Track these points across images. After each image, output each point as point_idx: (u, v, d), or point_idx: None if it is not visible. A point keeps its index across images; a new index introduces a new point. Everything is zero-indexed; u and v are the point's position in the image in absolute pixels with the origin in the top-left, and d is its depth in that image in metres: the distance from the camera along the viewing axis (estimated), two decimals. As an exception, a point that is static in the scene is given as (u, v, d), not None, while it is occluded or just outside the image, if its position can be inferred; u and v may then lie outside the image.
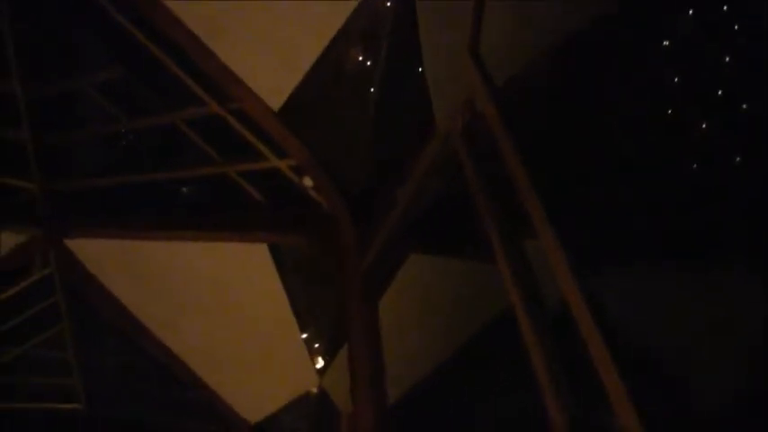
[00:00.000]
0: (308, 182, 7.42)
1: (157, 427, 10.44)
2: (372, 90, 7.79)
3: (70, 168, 8.25)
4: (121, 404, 10.25)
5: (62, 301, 9.06)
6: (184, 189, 8.49)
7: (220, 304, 8.30)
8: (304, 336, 9.14)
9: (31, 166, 7.86)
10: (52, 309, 9.19)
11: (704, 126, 7.19)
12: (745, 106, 7.08)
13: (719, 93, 7.13)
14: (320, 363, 9.50)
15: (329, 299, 8.65)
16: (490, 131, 4.42)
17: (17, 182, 7.95)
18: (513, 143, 3.98)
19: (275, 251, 7.90)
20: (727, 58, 7.10)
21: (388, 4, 7.51)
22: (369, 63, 7.88)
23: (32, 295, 9.05)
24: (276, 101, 6.67)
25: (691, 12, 7.13)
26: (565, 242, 3.38)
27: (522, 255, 3.89)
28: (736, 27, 7.10)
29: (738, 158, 6.96)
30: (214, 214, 7.73)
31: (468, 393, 8.26)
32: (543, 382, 3.47)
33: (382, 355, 7.35)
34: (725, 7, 7.12)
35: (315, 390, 9.66)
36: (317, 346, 9.69)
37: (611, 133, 7.02)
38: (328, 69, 7.15)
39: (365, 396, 7.57)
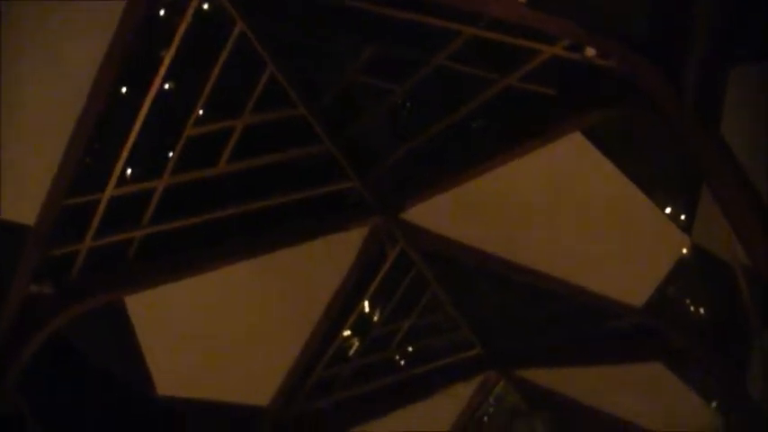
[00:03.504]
0: (590, 52, 6.98)
1: (561, 345, 10.57)
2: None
3: (373, 154, 8.71)
4: (513, 335, 10.67)
5: (423, 267, 9.67)
6: (473, 124, 8.52)
7: (567, 207, 8.19)
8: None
9: (342, 167, 8.49)
10: (418, 278, 9.85)
11: None
12: None
13: None
14: (682, 221, 8.93)
15: (665, 154, 8.09)
16: None
17: (339, 186, 8.64)
18: None
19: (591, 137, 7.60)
20: None
21: None
22: None
23: (396, 273, 9.77)
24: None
25: None
26: None
27: None
28: None
29: None
30: (518, 127, 7.65)
31: None
32: None
33: (749, 180, 6.66)
34: None
35: (687, 251, 9.14)
36: (669, 210, 9.14)
37: None
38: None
39: (751, 232, 6.92)
